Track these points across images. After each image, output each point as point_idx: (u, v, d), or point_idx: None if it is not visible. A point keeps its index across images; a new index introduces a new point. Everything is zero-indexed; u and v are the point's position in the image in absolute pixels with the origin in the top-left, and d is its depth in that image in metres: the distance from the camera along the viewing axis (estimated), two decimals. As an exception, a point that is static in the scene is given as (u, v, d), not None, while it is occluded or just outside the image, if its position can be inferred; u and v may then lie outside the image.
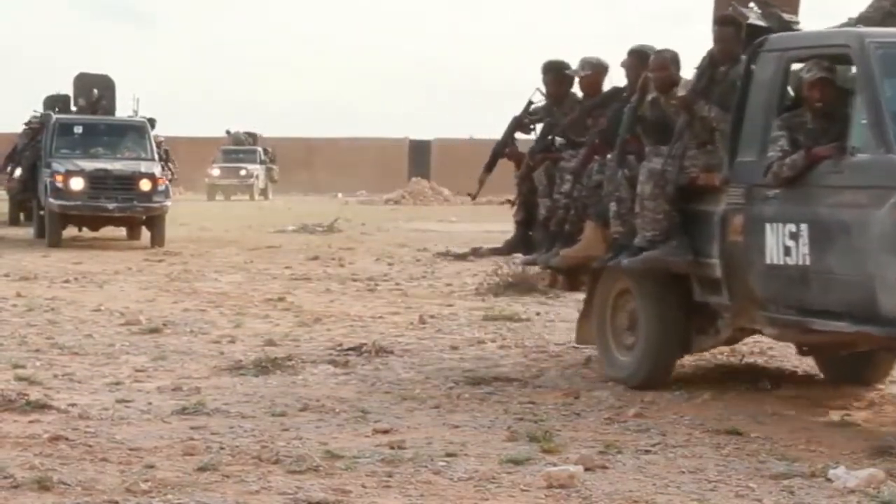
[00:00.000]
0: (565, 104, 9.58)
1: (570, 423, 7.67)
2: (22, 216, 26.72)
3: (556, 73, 9.58)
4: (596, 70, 9.41)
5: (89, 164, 21.65)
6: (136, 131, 23.01)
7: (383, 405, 8.14)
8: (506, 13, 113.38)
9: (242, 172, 46.50)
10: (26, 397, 7.91)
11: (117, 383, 8.80)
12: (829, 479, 6.24)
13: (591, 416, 7.85)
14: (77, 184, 21.29)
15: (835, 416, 7.91)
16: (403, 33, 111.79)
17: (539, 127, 9.76)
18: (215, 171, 46.17)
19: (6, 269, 16.87)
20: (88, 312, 12.64)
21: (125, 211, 21.45)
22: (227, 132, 49.06)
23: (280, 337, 11.05)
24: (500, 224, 30.62)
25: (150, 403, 8.09)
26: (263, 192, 47.37)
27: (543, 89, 9.68)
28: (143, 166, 21.85)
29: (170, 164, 23.58)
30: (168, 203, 21.75)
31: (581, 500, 5.96)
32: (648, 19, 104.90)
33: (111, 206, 21.26)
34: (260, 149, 48.50)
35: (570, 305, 13.52)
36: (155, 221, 21.82)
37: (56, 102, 23.94)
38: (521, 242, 9.84)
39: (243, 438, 7.10)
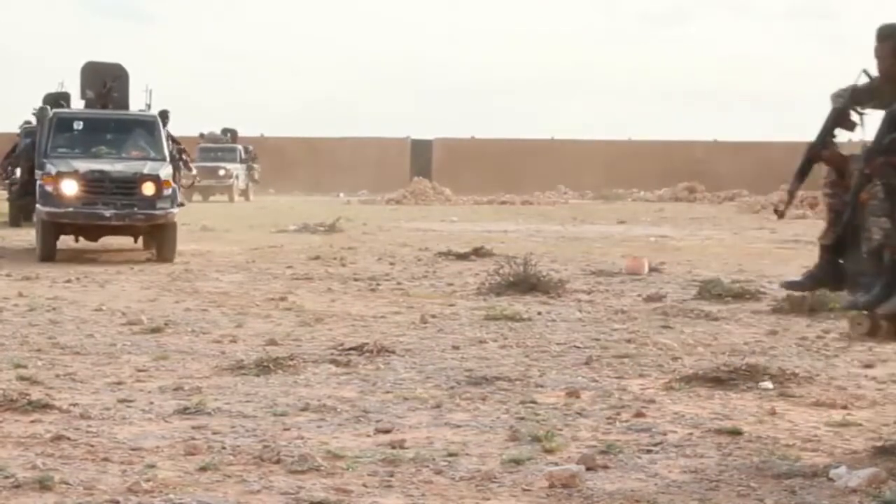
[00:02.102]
0: None
1: (572, 422, 7.66)
2: (23, 217, 26.68)
3: None
4: None
5: (84, 165, 18.82)
6: (145, 127, 20.07)
7: (385, 405, 8.13)
8: (506, 13, 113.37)
9: (221, 172, 44.03)
10: (28, 397, 7.90)
11: (119, 383, 8.80)
12: (830, 479, 6.23)
13: (592, 416, 7.84)
14: (69, 187, 18.53)
15: (836, 415, 7.89)
16: (404, 33, 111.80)
17: (867, 120, 7.03)
18: (192, 171, 44.15)
19: (8, 269, 16.89)
20: (90, 312, 12.65)
21: (123, 219, 18.62)
22: (201, 135, 46.47)
23: (281, 336, 11.05)
24: (501, 224, 30.76)
25: (151, 403, 8.09)
26: (244, 193, 45.21)
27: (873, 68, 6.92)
28: (148, 167, 19.03)
29: (190, 165, 21.46)
30: (175, 210, 18.90)
31: (583, 500, 5.95)
32: (648, 19, 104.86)
33: (108, 213, 18.50)
34: (240, 147, 46.26)
35: (571, 305, 13.55)
36: (159, 231, 18.87)
37: (56, 100, 21.24)
38: (829, 276, 7.27)
39: (245, 438, 7.10)
